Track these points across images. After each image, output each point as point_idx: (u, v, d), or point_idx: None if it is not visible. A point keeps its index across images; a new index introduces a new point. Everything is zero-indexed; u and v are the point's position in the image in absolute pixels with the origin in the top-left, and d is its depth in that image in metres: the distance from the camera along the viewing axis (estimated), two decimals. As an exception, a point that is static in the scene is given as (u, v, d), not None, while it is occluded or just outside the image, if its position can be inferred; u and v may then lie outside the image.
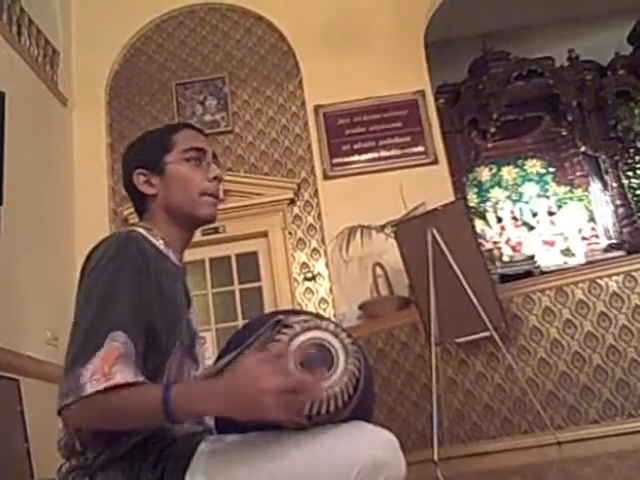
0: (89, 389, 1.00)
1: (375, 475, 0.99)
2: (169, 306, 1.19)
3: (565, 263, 5.61)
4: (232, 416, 0.99)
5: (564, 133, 6.20)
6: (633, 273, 3.66)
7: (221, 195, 1.36)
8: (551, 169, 6.23)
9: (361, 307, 4.50)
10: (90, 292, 1.12)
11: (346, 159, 5.09)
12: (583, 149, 6.13)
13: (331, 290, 4.79)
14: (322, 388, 1.00)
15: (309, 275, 4.84)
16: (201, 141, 1.34)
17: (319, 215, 4.98)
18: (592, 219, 6.02)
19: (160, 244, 1.27)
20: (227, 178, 4.98)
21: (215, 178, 1.31)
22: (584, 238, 5.91)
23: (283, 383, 0.95)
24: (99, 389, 1.00)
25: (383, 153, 5.10)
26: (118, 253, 1.14)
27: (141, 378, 1.04)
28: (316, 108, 5.20)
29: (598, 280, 3.69)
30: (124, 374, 1.02)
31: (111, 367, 1.02)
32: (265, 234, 5.01)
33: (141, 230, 1.26)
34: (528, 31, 6.59)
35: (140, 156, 1.33)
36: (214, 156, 1.36)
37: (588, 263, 5.01)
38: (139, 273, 1.14)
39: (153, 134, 1.38)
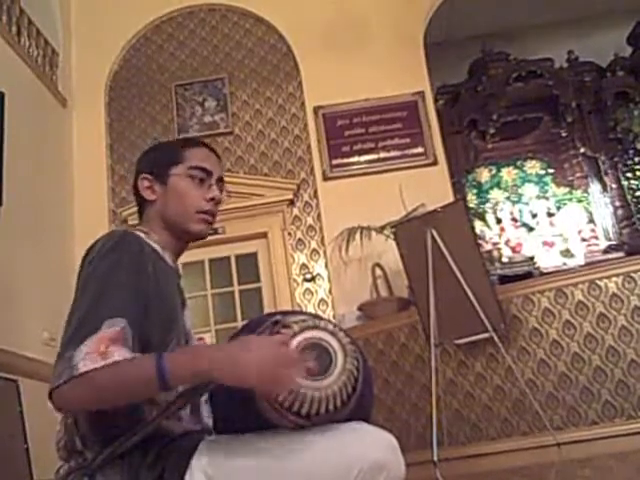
0: (82, 367, 1.00)
1: (374, 476, 0.99)
2: (165, 303, 1.21)
3: (564, 264, 5.61)
4: (222, 380, 1.00)
5: (563, 134, 6.20)
6: (632, 274, 3.65)
7: (215, 217, 1.40)
8: (550, 170, 6.24)
9: (360, 308, 4.50)
10: (88, 281, 1.13)
11: (346, 160, 5.09)
12: (582, 150, 6.13)
13: (330, 291, 4.79)
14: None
15: (308, 276, 4.84)
16: (210, 163, 1.37)
17: (318, 216, 4.98)
18: (591, 220, 6.02)
19: (156, 246, 1.30)
20: (227, 179, 4.98)
21: (212, 199, 1.35)
22: (583, 239, 5.91)
23: (279, 353, 0.97)
24: (95, 367, 1.00)
25: (383, 154, 5.09)
26: (117, 246, 1.17)
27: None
28: (316, 109, 5.20)
29: (597, 281, 3.69)
30: (120, 354, 1.02)
31: (107, 347, 1.02)
32: (265, 235, 5.01)
33: (138, 233, 1.29)
34: (527, 32, 6.59)
35: (150, 162, 1.38)
36: (221, 179, 1.40)
37: (587, 264, 5.01)
38: (137, 265, 1.16)
39: (167, 144, 1.46)
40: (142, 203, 1.37)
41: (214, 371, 0.99)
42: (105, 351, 1.02)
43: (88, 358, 1.01)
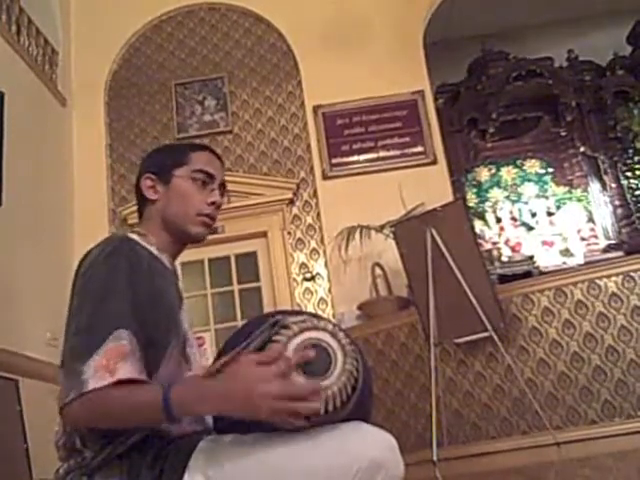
0: (92, 385, 1.01)
1: (373, 475, 0.99)
2: (162, 304, 1.21)
3: (564, 263, 5.62)
4: (229, 415, 1.02)
5: (563, 133, 6.20)
6: (632, 274, 3.66)
7: (215, 221, 1.41)
8: (550, 169, 6.24)
9: (360, 307, 4.50)
10: (86, 291, 1.14)
11: (345, 159, 5.09)
12: (582, 149, 6.13)
13: (330, 290, 4.79)
14: (320, 396, 1.00)
15: (308, 275, 4.84)
16: (214, 167, 1.39)
17: (318, 215, 4.98)
18: (591, 219, 6.02)
19: (153, 249, 1.31)
20: (226, 178, 4.97)
21: (213, 203, 1.36)
22: (583, 238, 5.92)
23: (282, 389, 0.97)
24: (103, 385, 1.01)
25: (382, 153, 5.09)
26: (112, 253, 1.18)
27: (144, 376, 1.07)
28: (315, 108, 5.20)
29: (597, 280, 3.69)
30: (127, 370, 1.04)
31: (115, 363, 1.04)
32: (264, 234, 5.01)
33: (134, 236, 1.30)
34: (527, 31, 6.59)
35: (154, 162, 1.40)
36: (223, 185, 1.42)
37: (587, 263, 5.01)
38: (133, 271, 1.16)
39: (173, 146, 1.49)
40: (143, 202, 1.38)
41: (220, 413, 1.05)
42: (113, 368, 1.03)
43: (98, 375, 1.02)
